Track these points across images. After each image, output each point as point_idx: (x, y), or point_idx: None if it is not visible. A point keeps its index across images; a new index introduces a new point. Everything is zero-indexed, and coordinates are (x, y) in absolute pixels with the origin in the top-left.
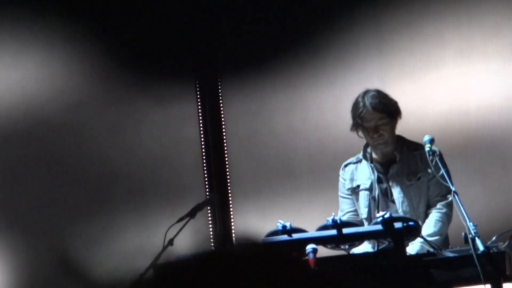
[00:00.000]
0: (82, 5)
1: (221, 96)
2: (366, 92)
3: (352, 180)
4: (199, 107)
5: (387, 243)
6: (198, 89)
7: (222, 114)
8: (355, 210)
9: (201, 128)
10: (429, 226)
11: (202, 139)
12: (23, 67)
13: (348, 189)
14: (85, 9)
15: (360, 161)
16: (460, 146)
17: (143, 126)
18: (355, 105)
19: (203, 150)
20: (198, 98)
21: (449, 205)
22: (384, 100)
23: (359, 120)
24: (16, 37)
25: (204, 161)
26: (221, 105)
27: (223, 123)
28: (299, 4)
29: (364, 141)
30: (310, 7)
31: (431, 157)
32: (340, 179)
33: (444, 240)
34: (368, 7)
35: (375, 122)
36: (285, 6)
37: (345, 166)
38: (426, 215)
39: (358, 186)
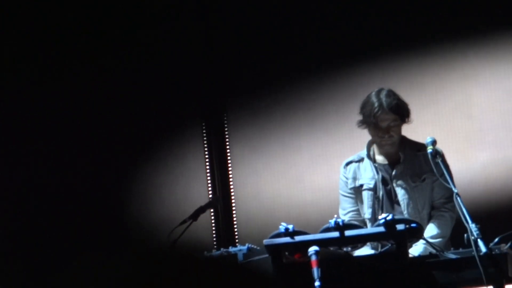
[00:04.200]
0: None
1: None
2: (380, 91)
3: (355, 179)
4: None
5: (389, 245)
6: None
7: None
8: (357, 210)
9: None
10: (432, 228)
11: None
12: None
13: (350, 188)
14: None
15: (362, 160)
16: (462, 148)
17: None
18: (369, 104)
19: (206, 152)
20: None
21: (453, 207)
22: (399, 102)
23: (373, 119)
24: None
25: (207, 163)
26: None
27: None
28: (303, 42)
29: (366, 140)
30: (316, 43)
31: (434, 160)
32: (342, 177)
33: (447, 242)
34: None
35: (388, 123)
36: (290, 43)
37: (347, 164)
38: (430, 217)
39: (362, 185)
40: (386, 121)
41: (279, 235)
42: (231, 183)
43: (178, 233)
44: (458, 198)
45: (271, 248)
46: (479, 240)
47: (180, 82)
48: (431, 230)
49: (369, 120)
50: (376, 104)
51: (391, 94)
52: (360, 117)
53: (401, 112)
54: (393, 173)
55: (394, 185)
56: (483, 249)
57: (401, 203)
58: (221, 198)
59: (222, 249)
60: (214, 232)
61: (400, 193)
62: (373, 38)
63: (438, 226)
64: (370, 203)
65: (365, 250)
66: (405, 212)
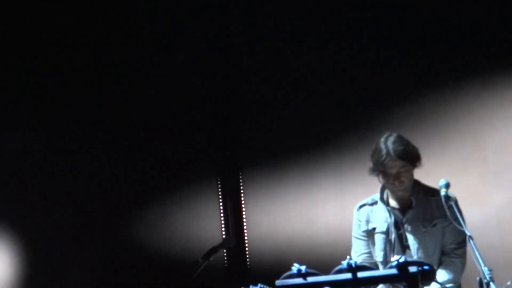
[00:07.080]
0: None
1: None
2: (387, 137)
3: (368, 222)
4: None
5: (402, 287)
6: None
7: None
8: (370, 252)
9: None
10: (443, 273)
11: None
12: None
13: (363, 231)
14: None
15: (375, 203)
16: (477, 191)
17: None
18: (377, 151)
19: (220, 192)
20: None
21: (464, 253)
22: (407, 147)
23: (381, 167)
24: None
25: (221, 203)
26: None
27: None
28: (318, 99)
29: (379, 182)
30: (329, 84)
31: (448, 203)
32: (355, 219)
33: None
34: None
35: (397, 170)
36: (304, 100)
37: (360, 207)
38: (440, 262)
39: (374, 228)
40: (394, 168)
41: (291, 276)
42: (244, 223)
43: (191, 273)
44: (471, 241)
45: None
46: (491, 283)
47: (196, 148)
48: (441, 275)
49: (378, 167)
50: (383, 152)
51: (398, 140)
52: (371, 164)
53: (410, 157)
54: (405, 217)
55: (405, 229)
56: None
57: (411, 247)
58: (234, 238)
59: None
60: (227, 272)
61: (411, 238)
62: (387, 82)
63: (449, 272)
64: (382, 246)
65: None
66: (415, 256)
